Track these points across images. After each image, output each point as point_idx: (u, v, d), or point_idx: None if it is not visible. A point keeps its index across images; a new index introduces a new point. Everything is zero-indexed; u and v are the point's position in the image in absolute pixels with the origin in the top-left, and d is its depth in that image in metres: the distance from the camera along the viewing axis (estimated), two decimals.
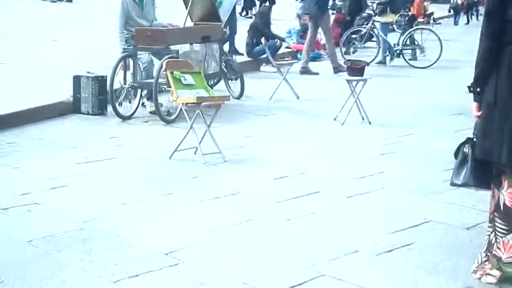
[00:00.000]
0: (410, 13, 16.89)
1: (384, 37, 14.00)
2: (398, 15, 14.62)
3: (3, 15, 18.28)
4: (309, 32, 12.76)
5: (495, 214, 3.76)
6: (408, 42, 14.30)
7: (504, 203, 3.68)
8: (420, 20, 17.80)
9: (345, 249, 4.24)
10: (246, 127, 7.86)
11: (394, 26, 14.97)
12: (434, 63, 13.53)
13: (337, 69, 12.15)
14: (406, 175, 6.08)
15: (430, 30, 14.97)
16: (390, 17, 14.48)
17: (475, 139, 3.78)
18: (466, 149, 3.85)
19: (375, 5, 15.61)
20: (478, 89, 3.66)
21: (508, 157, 3.53)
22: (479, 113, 3.70)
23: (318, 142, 7.28)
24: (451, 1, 30.49)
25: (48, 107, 7.75)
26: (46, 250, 4.13)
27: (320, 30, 12.84)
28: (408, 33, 14.07)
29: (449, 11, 29.71)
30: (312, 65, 12.51)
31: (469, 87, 3.72)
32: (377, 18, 14.55)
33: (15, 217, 4.71)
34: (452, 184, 3.98)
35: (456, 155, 3.95)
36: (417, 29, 14.85)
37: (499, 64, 3.56)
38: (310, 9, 12.62)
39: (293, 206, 5.10)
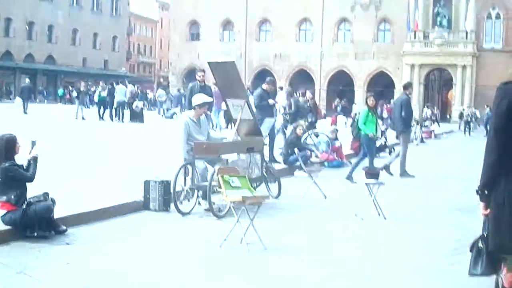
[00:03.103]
0: None
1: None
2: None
3: (92, 136, 18.91)
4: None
5: None
6: None
7: (502, 285, 3.62)
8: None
9: None
10: (283, 221, 7.85)
11: None
12: None
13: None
14: (415, 258, 6.00)
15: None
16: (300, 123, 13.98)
17: (485, 235, 3.67)
18: (481, 244, 3.71)
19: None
20: (486, 192, 3.58)
21: None
22: (486, 212, 3.60)
23: (341, 234, 7.23)
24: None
25: (124, 205, 7.89)
26: None
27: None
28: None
29: None
30: (335, 172, 12.52)
31: (477, 190, 3.62)
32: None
33: None
34: (471, 274, 3.77)
35: (471, 249, 3.78)
36: None
37: (507, 171, 3.50)
38: (397, 126, 12.89)
39: (322, 286, 5.02)
